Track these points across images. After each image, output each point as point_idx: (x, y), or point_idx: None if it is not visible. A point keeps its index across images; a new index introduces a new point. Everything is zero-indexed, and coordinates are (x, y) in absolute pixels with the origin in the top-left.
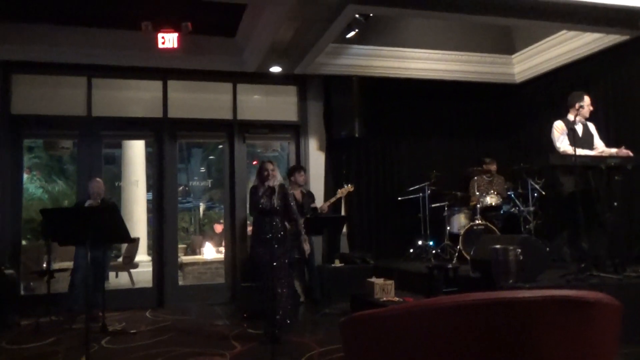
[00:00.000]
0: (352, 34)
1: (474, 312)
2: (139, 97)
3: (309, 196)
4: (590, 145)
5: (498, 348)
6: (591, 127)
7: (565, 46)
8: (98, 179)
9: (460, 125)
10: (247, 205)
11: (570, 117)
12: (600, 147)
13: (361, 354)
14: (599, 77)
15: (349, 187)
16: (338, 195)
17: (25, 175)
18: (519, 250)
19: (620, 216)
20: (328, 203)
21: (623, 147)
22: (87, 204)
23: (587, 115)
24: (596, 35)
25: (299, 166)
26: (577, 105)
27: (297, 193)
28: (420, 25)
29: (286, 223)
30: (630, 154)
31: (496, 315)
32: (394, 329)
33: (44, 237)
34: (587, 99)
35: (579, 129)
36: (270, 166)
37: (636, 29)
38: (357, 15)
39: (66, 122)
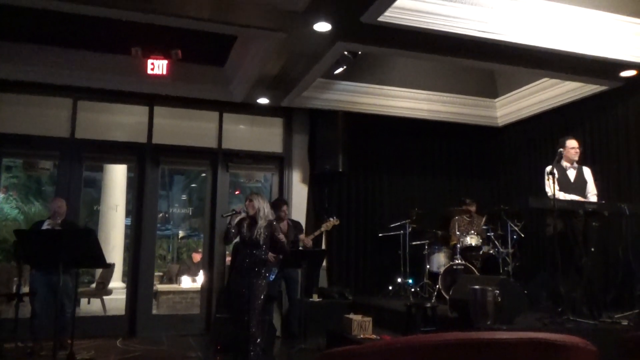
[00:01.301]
0: (339, 70)
1: (451, 351)
2: (124, 121)
3: (295, 227)
4: (581, 190)
5: None
6: (586, 172)
7: (546, 93)
8: (61, 198)
9: (443, 165)
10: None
11: (563, 161)
12: (591, 194)
13: None
14: (578, 124)
15: (334, 221)
16: (323, 229)
17: (0, 195)
18: (497, 291)
19: (596, 261)
20: (312, 237)
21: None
22: (45, 224)
23: (574, 158)
24: (577, 83)
25: (280, 200)
26: (559, 150)
27: (284, 225)
28: (407, 65)
29: (270, 254)
30: None
31: (473, 356)
32: None
33: (15, 259)
34: (569, 143)
35: (571, 173)
36: (255, 197)
37: (615, 80)
38: (345, 53)
39: (48, 142)
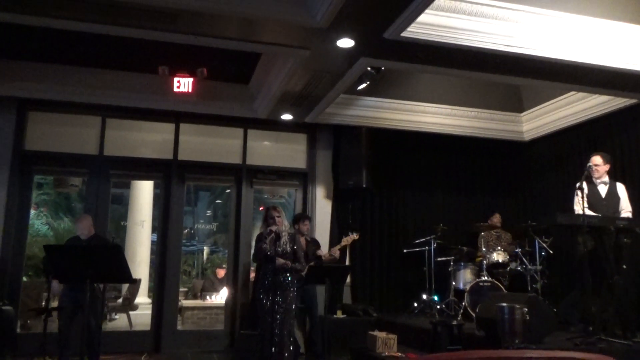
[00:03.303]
0: (363, 86)
1: None
2: (151, 139)
3: (314, 243)
4: (613, 207)
5: None
6: (620, 189)
7: (574, 107)
8: (87, 215)
9: (468, 180)
10: (252, 252)
11: (593, 178)
12: (625, 211)
13: None
14: (606, 138)
15: (354, 236)
16: (343, 244)
17: (32, 211)
18: (526, 309)
19: (629, 280)
20: (334, 249)
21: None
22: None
23: (597, 175)
24: (605, 97)
25: (304, 215)
26: (587, 166)
27: (302, 240)
28: (431, 80)
29: (279, 260)
30: None
31: None
32: None
33: (45, 274)
34: (592, 159)
35: (602, 190)
36: (275, 212)
37: None
38: (369, 69)
39: (77, 159)
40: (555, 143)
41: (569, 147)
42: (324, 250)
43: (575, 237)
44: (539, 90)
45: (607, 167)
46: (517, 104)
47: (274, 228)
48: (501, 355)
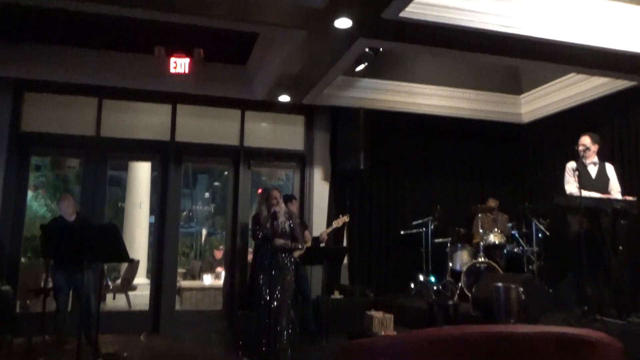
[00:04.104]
0: (361, 67)
1: (472, 345)
2: (148, 120)
3: (302, 225)
4: (603, 188)
5: None
6: (609, 169)
7: (573, 89)
8: (68, 195)
9: (465, 163)
10: (250, 233)
11: (583, 159)
12: (615, 191)
13: None
14: (606, 120)
15: (344, 218)
16: (333, 226)
17: (30, 193)
18: (522, 289)
19: (625, 261)
20: (326, 231)
21: (627, 197)
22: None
23: (586, 155)
24: (605, 79)
25: (291, 195)
26: (576, 147)
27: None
28: (430, 62)
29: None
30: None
31: (495, 350)
32: (392, 358)
33: (42, 255)
34: (581, 139)
35: (592, 170)
36: (277, 193)
37: None
38: (367, 49)
39: (74, 141)
40: (554, 126)
41: (567, 129)
42: (318, 232)
43: (565, 219)
44: (537, 72)
45: (596, 148)
46: (515, 86)
47: (277, 209)
48: (493, 330)
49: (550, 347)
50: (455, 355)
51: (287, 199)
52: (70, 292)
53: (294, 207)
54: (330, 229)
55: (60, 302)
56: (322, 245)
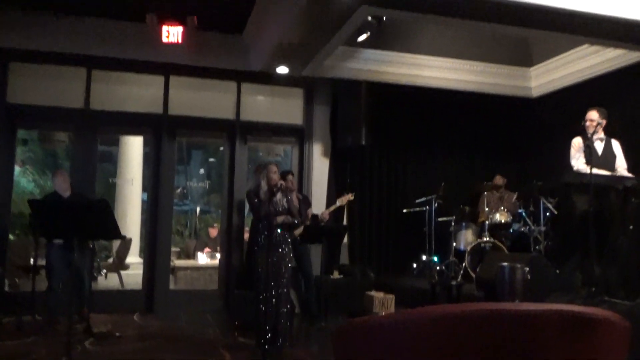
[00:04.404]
0: (363, 37)
1: (475, 323)
2: (139, 92)
3: (305, 202)
4: (610, 165)
5: None
6: (615, 146)
7: (585, 61)
8: (63, 171)
9: (472, 139)
10: (250, 208)
11: (589, 135)
12: (621, 168)
13: None
14: (618, 95)
15: (349, 196)
16: (338, 204)
17: (17, 168)
18: (527, 269)
19: (634, 240)
20: (328, 211)
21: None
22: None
23: (591, 131)
24: (618, 51)
25: (288, 170)
26: (582, 123)
27: (294, 198)
28: (435, 32)
29: (280, 218)
30: None
31: (498, 328)
32: (391, 338)
33: (31, 231)
34: (588, 114)
35: (599, 147)
36: (277, 168)
37: None
38: (369, 18)
39: (62, 113)
40: (565, 99)
41: (580, 103)
42: (319, 211)
43: (570, 197)
44: (549, 43)
45: (603, 123)
46: (525, 58)
47: (278, 184)
48: (496, 307)
49: (554, 324)
50: (457, 333)
51: (285, 174)
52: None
53: (292, 183)
54: (333, 208)
55: (53, 281)
56: (322, 224)
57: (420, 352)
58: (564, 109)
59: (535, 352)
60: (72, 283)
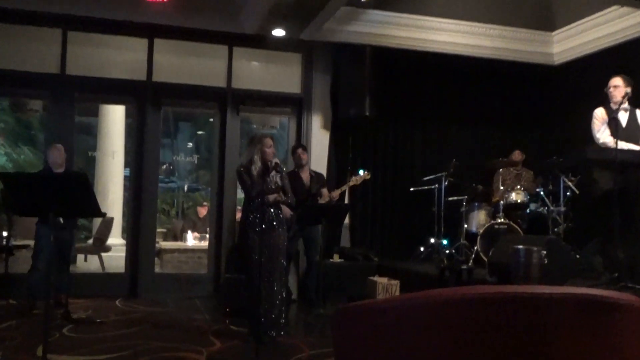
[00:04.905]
0: None
1: (484, 307)
2: (121, 57)
3: (319, 180)
4: (635, 138)
5: (509, 347)
6: None
7: (613, 25)
8: (59, 145)
9: (487, 111)
10: (241, 187)
11: (613, 105)
12: None
13: (354, 352)
14: None
15: (364, 175)
16: (351, 183)
17: None
18: (544, 252)
19: None
20: (339, 191)
21: None
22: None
23: (618, 99)
24: None
25: (299, 144)
26: (605, 91)
27: (306, 175)
28: None
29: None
30: None
31: (510, 313)
32: (395, 323)
33: (4, 209)
34: (612, 80)
35: (623, 117)
36: (272, 142)
37: None
38: None
39: (36, 79)
40: (589, 68)
41: (606, 71)
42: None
43: (592, 175)
44: (574, 4)
45: (628, 91)
46: (547, 22)
47: (275, 160)
48: (509, 290)
49: (572, 309)
50: (467, 317)
51: (295, 148)
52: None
53: (305, 157)
54: (345, 187)
55: (39, 261)
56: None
57: (427, 338)
58: (589, 78)
59: (552, 338)
60: (55, 264)
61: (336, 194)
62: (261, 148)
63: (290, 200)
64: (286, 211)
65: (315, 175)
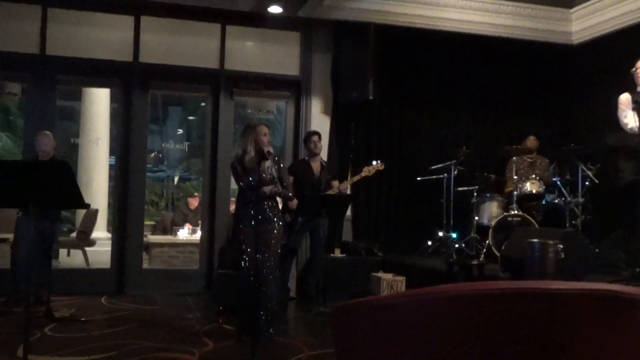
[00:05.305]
0: None
1: (496, 303)
2: (105, 36)
3: (329, 171)
4: None
5: (522, 346)
6: None
7: (636, 2)
8: (47, 132)
9: (499, 94)
10: (233, 178)
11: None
12: None
13: (356, 352)
14: None
15: (378, 165)
16: (364, 174)
17: None
18: (561, 246)
19: None
20: (350, 182)
21: None
22: None
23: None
24: None
25: (313, 131)
26: (631, 72)
27: (316, 164)
28: None
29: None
30: None
31: (523, 309)
32: (400, 321)
33: None
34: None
35: None
36: (267, 130)
37: None
38: None
39: (14, 60)
40: (611, 48)
41: (628, 54)
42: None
43: (614, 163)
44: None
45: None
46: None
47: (271, 149)
48: (523, 286)
49: (591, 305)
50: (478, 314)
51: (309, 136)
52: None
53: (313, 143)
54: (357, 178)
55: (19, 255)
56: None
57: (434, 337)
58: (610, 58)
59: (569, 337)
60: (37, 259)
61: (346, 185)
62: (255, 137)
63: (290, 193)
64: (293, 203)
65: (326, 166)
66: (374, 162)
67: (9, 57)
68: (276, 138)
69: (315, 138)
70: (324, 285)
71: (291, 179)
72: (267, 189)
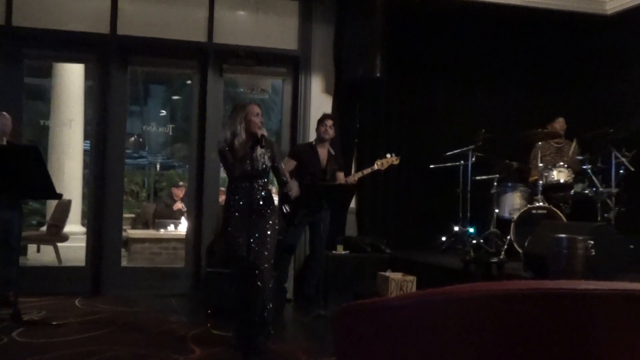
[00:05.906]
0: None
1: (517, 305)
2: (79, 5)
3: (336, 161)
4: None
5: (545, 351)
6: None
7: None
8: (4, 113)
9: (523, 71)
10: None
11: None
12: None
13: (360, 359)
14: None
15: (392, 159)
16: (376, 167)
17: None
18: (591, 242)
19: None
20: (359, 175)
21: None
22: None
23: None
24: None
25: (326, 114)
26: None
27: (323, 151)
28: None
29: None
30: None
31: (548, 310)
32: (407, 324)
33: None
34: None
35: None
36: (259, 110)
37: None
38: None
39: None
40: None
41: None
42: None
43: None
44: None
45: None
46: None
47: (265, 133)
48: (546, 286)
49: (624, 306)
50: (496, 318)
51: (322, 120)
52: None
53: (324, 128)
54: (368, 171)
55: None
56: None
57: (447, 343)
58: None
59: (599, 340)
60: (3, 253)
61: (354, 178)
62: (246, 117)
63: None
64: (293, 192)
65: (334, 155)
66: (388, 155)
67: None
68: (272, 120)
69: (329, 122)
70: (325, 286)
71: (293, 163)
72: (295, 191)
